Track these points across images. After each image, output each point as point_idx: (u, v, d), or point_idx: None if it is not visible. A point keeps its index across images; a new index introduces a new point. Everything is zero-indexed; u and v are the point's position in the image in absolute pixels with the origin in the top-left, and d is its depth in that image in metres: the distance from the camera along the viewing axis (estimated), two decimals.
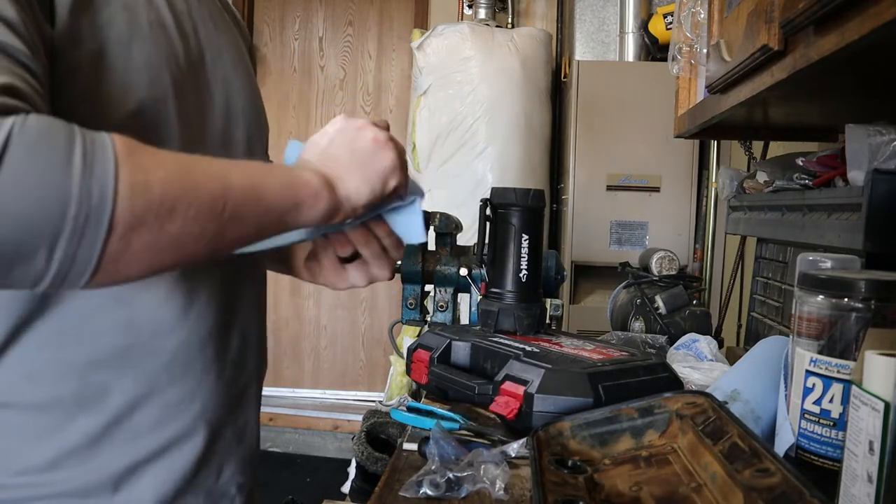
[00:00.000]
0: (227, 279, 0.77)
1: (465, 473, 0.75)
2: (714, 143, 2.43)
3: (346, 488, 2.72)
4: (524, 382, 0.91)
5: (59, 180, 0.47)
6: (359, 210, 0.70)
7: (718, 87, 1.12)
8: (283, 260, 0.91)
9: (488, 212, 1.16)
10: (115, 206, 0.49)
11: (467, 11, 3.23)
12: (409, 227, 0.77)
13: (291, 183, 0.63)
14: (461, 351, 1.08)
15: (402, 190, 0.73)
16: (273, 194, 0.61)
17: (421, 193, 0.77)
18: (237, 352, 0.78)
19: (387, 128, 0.75)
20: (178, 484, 0.71)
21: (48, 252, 0.48)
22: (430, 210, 1.40)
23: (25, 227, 0.46)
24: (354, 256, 0.81)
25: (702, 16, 1.19)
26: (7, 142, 0.46)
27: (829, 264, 0.83)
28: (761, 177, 1.40)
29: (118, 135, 0.52)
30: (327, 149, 0.70)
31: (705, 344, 1.29)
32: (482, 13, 3.07)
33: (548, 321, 1.34)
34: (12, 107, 0.49)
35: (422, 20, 3.42)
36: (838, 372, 0.69)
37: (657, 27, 2.65)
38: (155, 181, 0.52)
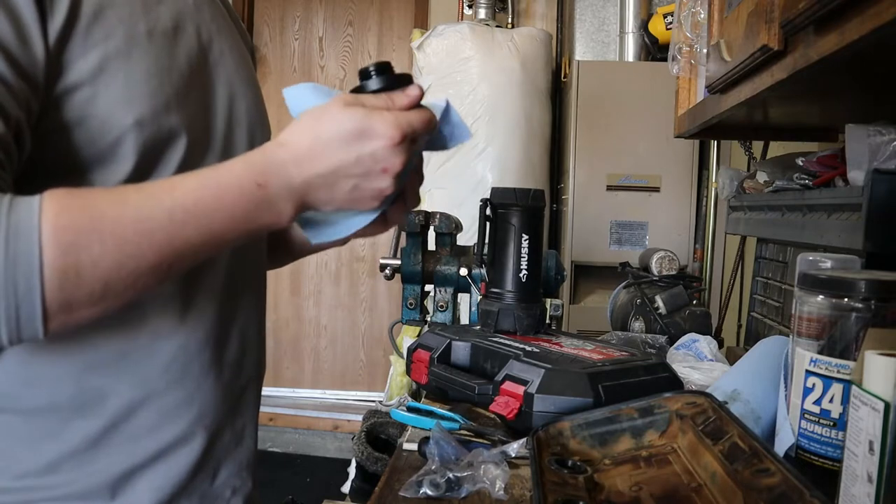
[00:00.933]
0: (227, 283, 0.77)
1: (465, 473, 0.75)
2: (714, 143, 2.43)
3: (346, 488, 2.71)
4: (524, 382, 0.91)
5: None
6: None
7: (718, 87, 1.12)
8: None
9: (488, 212, 1.16)
10: (44, 296, 0.51)
11: (467, 11, 3.23)
12: (455, 132, 0.71)
13: (259, 226, 0.61)
14: (461, 351, 1.08)
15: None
16: (233, 238, 0.60)
17: (443, 102, 0.69)
18: (235, 355, 0.78)
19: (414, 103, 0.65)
20: (175, 488, 0.71)
21: None
22: (430, 210, 1.41)
23: None
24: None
25: (702, 16, 1.19)
26: None
27: (829, 264, 0.83)
28: (761, 177, 1.40)
29: (57, 198, 0.53)
30: (341, 192, 0.63)
31: (705, 344, 1.29)
32: (482, 13, 3.07)
33: (548, 321, 1.34)
34: None
35: (422, 20, 3.42)
36: (838, 372, 0.69)
37: (657, 27, 2.66)
38: (86, 262, 0.53)
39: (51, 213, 0.52)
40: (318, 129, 0.62)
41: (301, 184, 0.61)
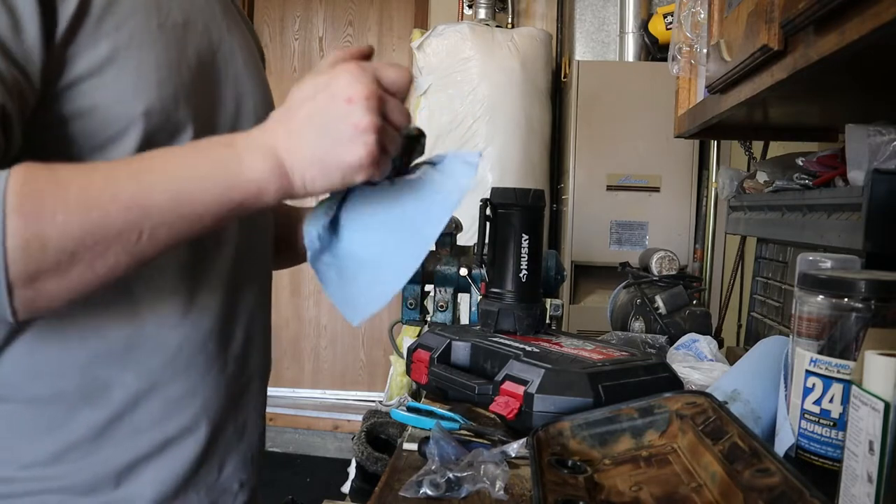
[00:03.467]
0: (232, 276, 0.77)
1: (465, 473, 0.75)
2: (714, 143, 2.43)
3: (346, 488, 2.72)
4: (524, 382, 0.91)
5: None
6: (317, 193, 0.63)
7: (718, 87, 1.12)
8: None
9: (488, 212, 1.16)
10: (7, 268, 0.50)
11: (467, 11, 3.23)
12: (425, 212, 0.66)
13: (231, 185, 0.58)
14: (461, 351, 1.08)
15: (375, 178, 0.62)
16: (206, 202, 0.57)
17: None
18: (240, 348, 0.78)
19: (368, 56, 0.64)
20: (179, 480, 0.72)
21: None
22: None
23: None
24: None
25: (702, 16, 1.19)
26: None
27: (829, 264, 0.83)
28: (761, 177, 1.40)
29: (23, 170, 0.52)
30: (301, 122, 0.60)
31: (705, 344, 1.29)
32: (482, 13, 3.07)
33: (548, 321, 1.34)
34: None
35: (422, 20, 3.42)
36: (838, 372, 0.69)
37: (657, 27, 2.65)
38: (51, 231, 0.52)
39: (16, 183, 0.51)
40: (286, 101, 0.62)
41: (267, 139, 0.59)
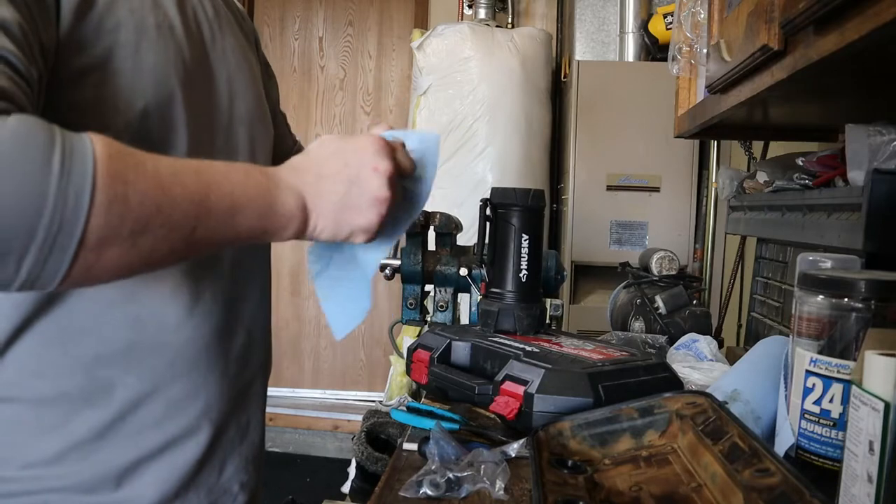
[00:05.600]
0: (233, 278, 0.77)
1: (465, 473, 0.75)
2: (714, 143, 2.43)
3: (346, 488, 2.71)
4: (524, 382, 0.91)
5: (34, 184, 0.46)
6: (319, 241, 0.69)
7: (718, 87, 1.12)
8: None
9: (488, 212, 1.16)
10: (90, 217, 0.48)
11: (467, 11, 3.23)
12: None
13: (267, 213, 0.61)
14: (461, 351, 1.08)
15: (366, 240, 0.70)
16: (246, 223, 0.60)
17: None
18: (241, 349, 0.79)
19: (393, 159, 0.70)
20: (180, 481, 0.72)
21: (18, 258, 0.47)
22: (430, 210, 1.41)
23: None
24: None
25: (702, 16, 1.19)
26: None
27: (829, 264, 0.83)
28: (761, 177, 1.40)
29: (103, 138, 0.51)
30: (330, 175, 0.66)
31: (705, 344, 1.29)
32: (482, 13, 3.07)
33: (548, 321, 1.34)
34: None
35: (422, 20, 3.42)
36: (838, 372, 0.69)
37: (657, 27, 2.65)
38: (133, 195, 0.51)
39: (101, 144, 0.50)
40: (308, 150, 0.68)
41: (297, 183, 0.64)
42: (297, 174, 0.64)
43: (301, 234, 0.65)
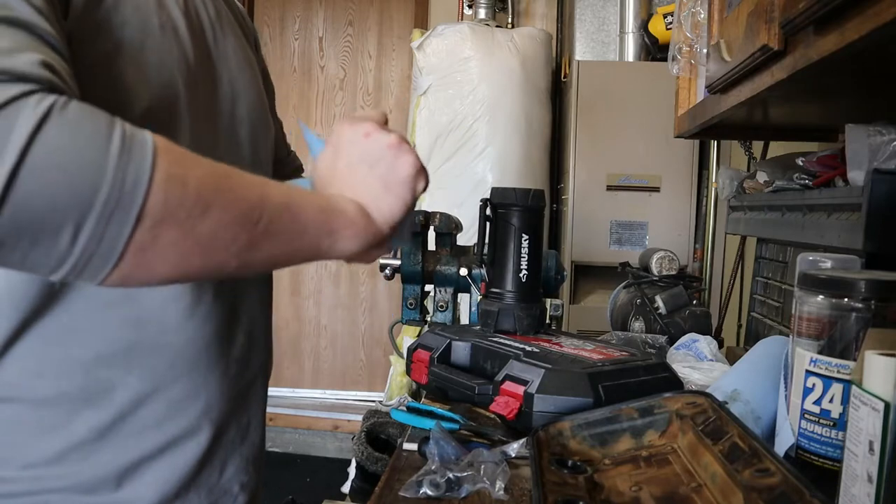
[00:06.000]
0: (235, 279, 0.77)
1: (465, 473, 0.75)
2: (714, 143, 2.43)
3: (346, 488, 2.72)
4: (524, 382, 0.91)
5: (95, 157, 0.46)
6: (398, 226, 0.67)
7: (718, 87, 1.12)
8: None
9: (488, 212, 1.16)
10: (149, 193, 0.47)
11: (467, 11, 3.23)
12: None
13: (326, 208, 0.61)
14: (461, 351, 1.08)
15: (426, 186, 0.70)
16: (308, 216, 0.59)
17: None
18: (242, 350, 0.79)
19: (385, 121, 0.72)
20: (181, 481, 0.72)
21: (74, 231, 0.46)
22: (430, 210, 1.41)
23: (55, 200, 0.45)
24: None
25: (702, 16, 1.19)
26: (47, 115, 0.45)
27: (829, 264, 0.83)
28: (761, 177, 1.40)
29: (155, 134, 0.51)
30: (347, 172, 0.66)
31: (705, 344, 1.29)
32: (482, 13, 3.07)
33: (548, 321, 1.34)
34: (56, 85, 0.48)
35: (422, 20, 3.42)
36: (838, 372, 0.69)
37: (657, 27, 2.65)
38: (192, 177, 0.50)
39: (157, 135, 0.50)
40: (317, 178, 0.69)
41: (335, 191, 0.65)
42: (329, 183, 0.67)
43: (376, 232, 0.64)
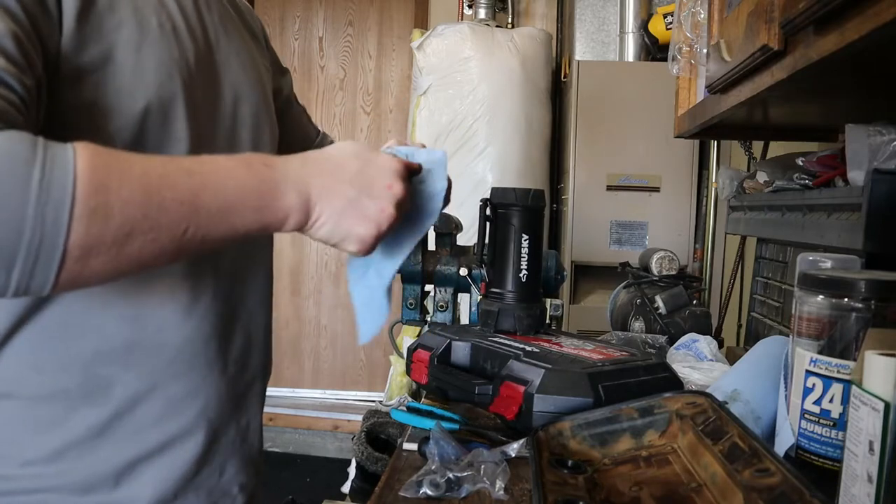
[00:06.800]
0: (234, 279, 0.77)
1: (465, 473, 0.75)
2: (714, 143, 2.43)
3: (346, 488, 2.71)
4: (524, 382, 0.91)
5: (12, 203, 0.47)
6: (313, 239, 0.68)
7: (718, 87, 1.12)
8: None
9: (488, 212, 1.16)
10: (70, 231, 0.49)
11: (467, 11, 3.23)
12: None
13: (265, 208, 0.61)
14: (461, 351, 1.08)
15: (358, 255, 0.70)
16: (241, 218, 0.59)
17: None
18: (241, 350, 0.79)
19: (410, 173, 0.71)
20: (179, 481, 0.72)
21: (6, 271, 0.48)
22: None
23: None
24: None
25: (702, 16, 1.19)
26: None
27: (829, 264, 0.83)
28: (761, 177, 1.40)
29: (89, 147, 0.51)
30: (344, 177, 0.65)
31: (705, 344, 1.29)
32: (482, 13, 3.07)
33: (548, 321, 1.34)
34: None
35: (422, 20, 3.42)
36: (838, 372, 0.69)
37: (657, 27, 2.65)
38: (115, 203, 0.51)
39: (85, 154, 0.51)
40: (328, 149, 0.68)
41: (305, 175, 0.63)
42: (308, 167, 0.64)
43: (300, 227, 0.64)
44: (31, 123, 0.55)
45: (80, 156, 0.50)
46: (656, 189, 2.61)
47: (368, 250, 0.68)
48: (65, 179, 0.49)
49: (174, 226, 0.54)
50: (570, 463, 0.76)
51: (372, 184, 0.66)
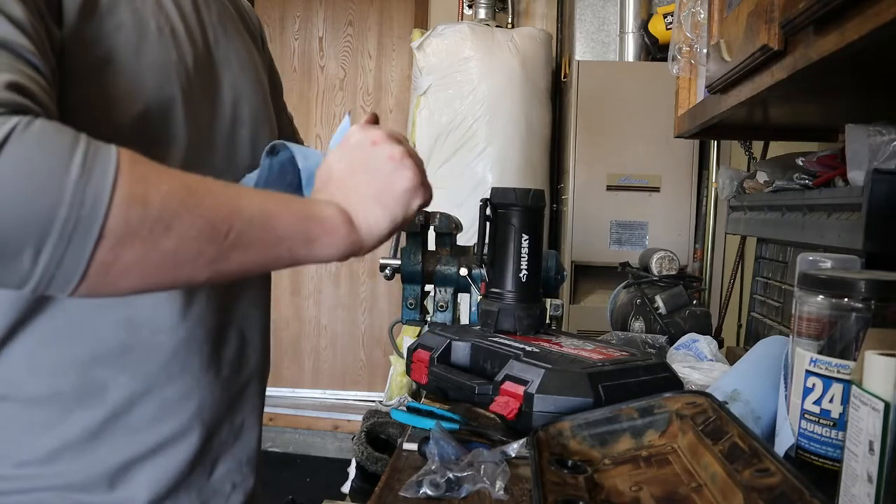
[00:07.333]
0: (229, 282, 0.77)
1: (465, 473, 0.75)
2: (714, 143, 2.43)
3: (346, 488, 2.71)
4: (524, 382, 0.91)
5: (52, 181, 0.47)
6: (382, 241, 0.67)
7: (718, 87, 1.12)
8: None
9: (488, 212, 1.16)
10: (108, 214, 0.48)
11: (467, 11, 3.23)
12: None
13: (307, 216, 0.60)
14: (461, 351, 1.08)
15: (426, 207, 0.70)
16: (286, 225, 0.58)
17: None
18: (235, 352, 0.79)
19: (402, 138, 0.71)
20: (172, 481, 0.72)
21: (34, 253, 0.47)
22: (430, 210, 1.40)
23: (12, 224, 0.46)
24: None
25: (702, 16, 1.19)
26: (7, 138, 0.46)
27: (829, 264, 0.83)
28: (761, 177, 1.40)
29: (125, 148, 0.51)
30: (345, 175, 0.66)
31: (705, 344, 1.29)
32: (482, 13, 3.07)
33: (548, 321, 1.34)
34: (22, 106, 0.49)
35: (422, 20, 3.42)
36: (838, 372, 0.69)
37: (657, 27, 2.65)
38: (155, 194, 0.51)
39: (124, 150, 0.51)
40: (318, 176, 0.70)
41: (326, 196, 0.65)
42: (319, 193, 0.67)
43: (357, 241, 0.63)
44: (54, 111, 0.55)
45: (120, 149, 0.51)
46: (656, 189, 2.61)
47: (426, 190, 0.68)
48: (107, 164, 0.49)
49: (215, 224, 0.53)
50: (570, 463, 0.76)
51: (366, 157, 0.67)
